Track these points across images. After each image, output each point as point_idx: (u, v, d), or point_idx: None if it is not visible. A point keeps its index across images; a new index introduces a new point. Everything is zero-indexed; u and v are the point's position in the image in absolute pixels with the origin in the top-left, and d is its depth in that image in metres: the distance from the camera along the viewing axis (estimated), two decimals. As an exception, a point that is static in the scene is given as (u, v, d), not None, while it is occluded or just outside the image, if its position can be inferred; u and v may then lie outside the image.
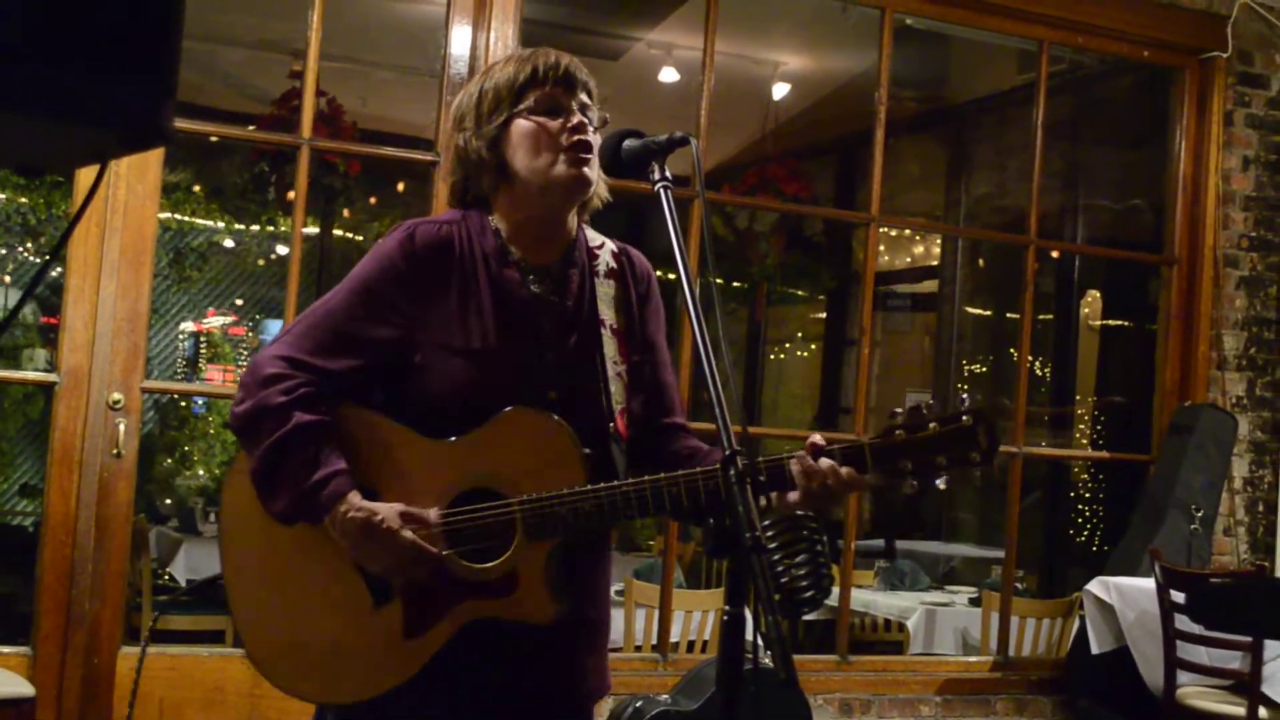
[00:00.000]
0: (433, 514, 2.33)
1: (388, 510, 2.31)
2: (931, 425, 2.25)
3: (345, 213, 9.50)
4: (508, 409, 2.35)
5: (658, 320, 2.61)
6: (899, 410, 2.28)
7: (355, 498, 2.31)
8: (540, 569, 2.33)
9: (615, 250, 2.60)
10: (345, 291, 2.42)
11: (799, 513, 2.42)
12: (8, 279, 9.11)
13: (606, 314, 2.50)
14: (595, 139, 2.44)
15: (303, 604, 2.40)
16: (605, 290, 2.53)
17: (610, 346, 2.48)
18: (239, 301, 10.20)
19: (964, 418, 2.24)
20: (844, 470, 2.25)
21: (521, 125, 2.43)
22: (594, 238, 2.59)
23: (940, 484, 2.27)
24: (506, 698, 2.43)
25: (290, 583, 2.40)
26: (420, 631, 2.35)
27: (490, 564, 2.33)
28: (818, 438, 2.29)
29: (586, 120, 2.44)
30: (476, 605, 2.34)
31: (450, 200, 2.56)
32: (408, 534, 2.29)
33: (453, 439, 2.36)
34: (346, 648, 2.38)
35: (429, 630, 2.35)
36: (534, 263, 2.48)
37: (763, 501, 2.32)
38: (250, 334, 9.91)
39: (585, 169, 2.42)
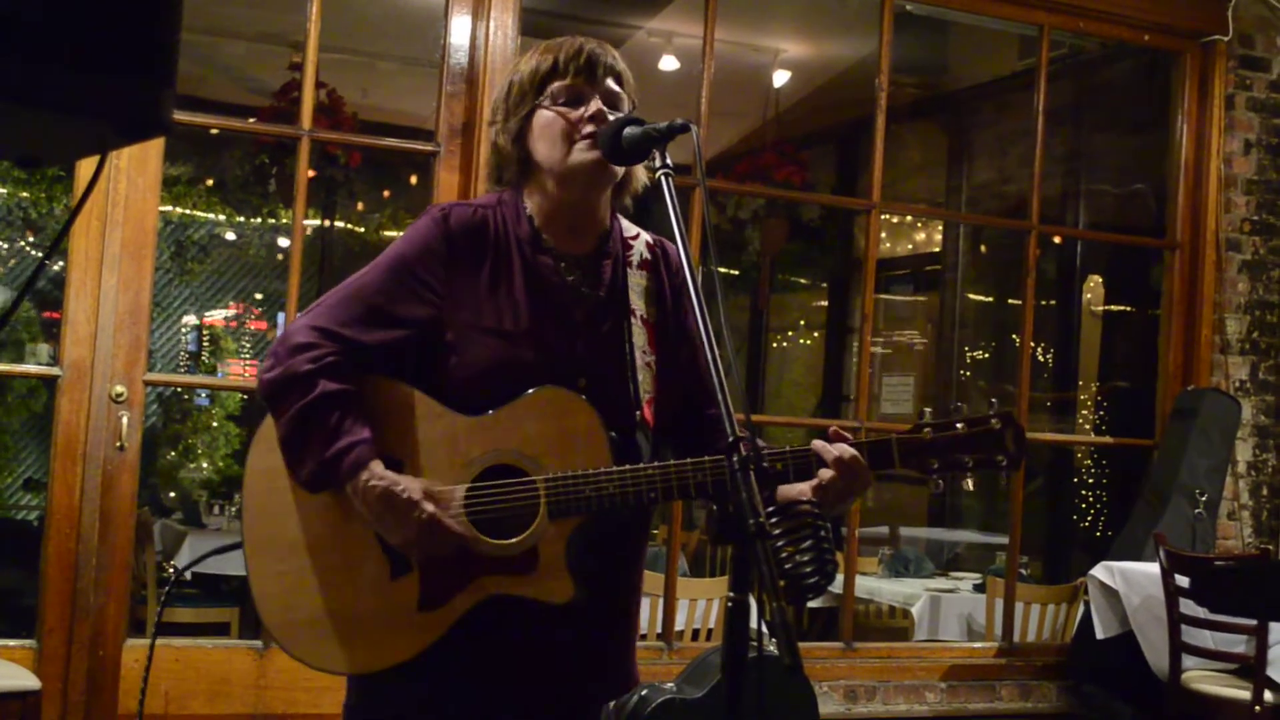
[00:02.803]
0: (458, 490, 2.33)
1: (410, 482, 2.31)
2: (959, 425, 2.35)
3: (360, 205, 9.49)
4: (537, 387, 2.36)
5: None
6: (928, 410, 2.36)
7: (377, 466, 2.30)
8: (561, 548, 2.33)
9: (650, 242, 2.60)
10: (380, 267, 2.43)
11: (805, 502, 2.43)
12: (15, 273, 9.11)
13: (638, 304, 2.50)
14: None
15: (322, 574, 2.39)
16: (637, 281, 2.53)
17: (640, 336, 2.48)
18: (231, 303, 10.19)
19: (992, 420, 2.34)
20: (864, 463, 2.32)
21: (542, 116, 2.44)
22: (629, 229, 2.59)
23: (969, 485, 2.40)
24: (526, 678, 2.42)
25: (310, 552, 2.39)
26: (436, 604, 2.34)
27: (511, 540, 2.33)
28: (839, 430, 2.36)
29: (606, 109, 2.43)
30: (495, 581, 2.34)
31: (488, 183, 2.58)
32: (429, 506, 2.29)
33: (480, 414, 2.36)
34: (363, 618, 2.37)
35: (445, 603, 2.34)
36: (568, 251, 2.49)
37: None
38: (242, 324, 9.92)
39: (600, 152, 2.41)
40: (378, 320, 2.39)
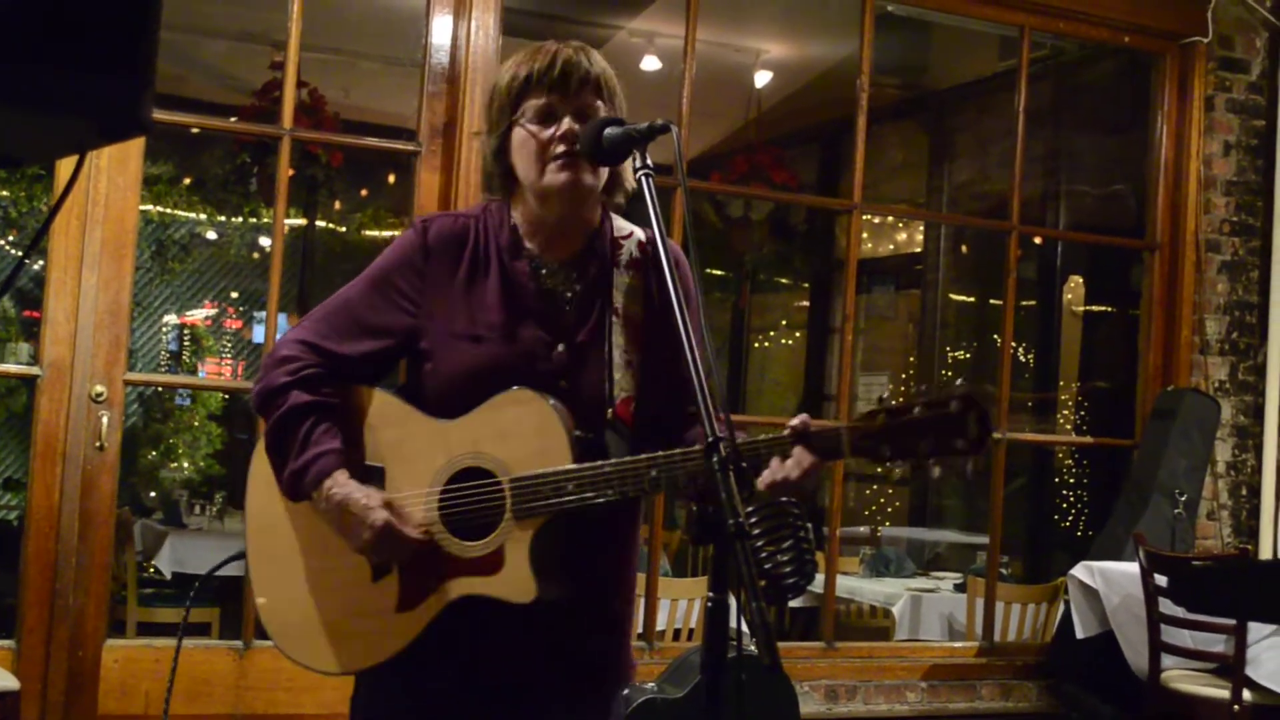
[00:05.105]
0: (430, 494, 2.39)
1: (371, 491, 2.39)
2: (916, 410, 2.18)
3: (338, 205, 9.46)
4: (505, 391, 2.39)
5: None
6: (886, 395, 2.32)
7: (340, 476, 2.39)
8: (526, 549, 2.34)
9: (642, 240, 2.58)
10: (363, 281, 2.52)
11: (782, 498, 2.43)
12: None
13: (620, 303, 2.51)
14: None
15: (312, 578, 2.49)
16: (623, 280, 2.53)
17: (620, 335, 2.48)
18: (207, 302, 10.16)
19: (951, 404, 2.17)
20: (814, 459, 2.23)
21: (517, 135, 2.46)
22: (622, 227, 2.59)
23: (934, 472, 2.21)
24: (504, 676, 2.46)
25: (303, 557, 2.50)
26: (412, 605, 2.41)
27: (477, 542, 2.37)
28: (796, 422, 2.25)
29: (577, 128, 2.41)
30: (463, 582, 2.39)
31: (482, 192, 2.62)
32: (383, 514, 2.35)
33: (452, 419, 2.41)
34: (348, 620, 2.47)
35: (419, 604, 2.41)
36: (551, 256, 2.51)
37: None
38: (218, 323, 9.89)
39: (572, 173, 2.41)
40: (359, 331, 2.48)
